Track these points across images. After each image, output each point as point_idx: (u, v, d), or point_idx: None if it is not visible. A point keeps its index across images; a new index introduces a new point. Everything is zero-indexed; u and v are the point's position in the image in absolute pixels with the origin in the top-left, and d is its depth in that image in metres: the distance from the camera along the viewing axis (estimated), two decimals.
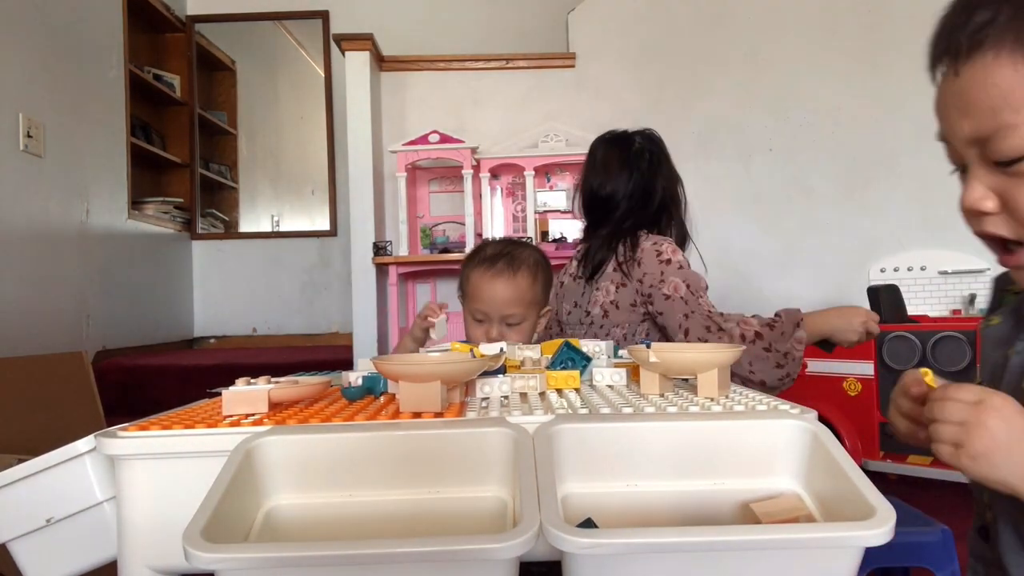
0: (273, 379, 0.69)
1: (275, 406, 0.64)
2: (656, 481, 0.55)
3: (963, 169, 0.62)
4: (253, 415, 0.61)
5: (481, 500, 0.52)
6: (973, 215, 0.61)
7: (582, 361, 0.82)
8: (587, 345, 0.92)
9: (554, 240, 2.82)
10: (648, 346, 0.72)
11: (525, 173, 2.81)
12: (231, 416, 0.61)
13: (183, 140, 3.92)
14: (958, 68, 0.56)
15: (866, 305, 2.27)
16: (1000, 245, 0.61)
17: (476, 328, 1.22)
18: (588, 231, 1.49)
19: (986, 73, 0.54)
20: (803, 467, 0.55)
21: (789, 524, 0.50)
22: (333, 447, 0.53)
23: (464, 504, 0.52)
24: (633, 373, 0.81)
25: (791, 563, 0.45)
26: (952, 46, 0.56)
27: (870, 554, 0.47)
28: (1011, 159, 0.56)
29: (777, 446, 0.56)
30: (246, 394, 0.61)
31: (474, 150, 2.78)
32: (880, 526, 0.43)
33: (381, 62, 3.03)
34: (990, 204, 0.60)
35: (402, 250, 2.82)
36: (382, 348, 2.88)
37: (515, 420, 0.56)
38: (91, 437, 0.62)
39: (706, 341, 1.23)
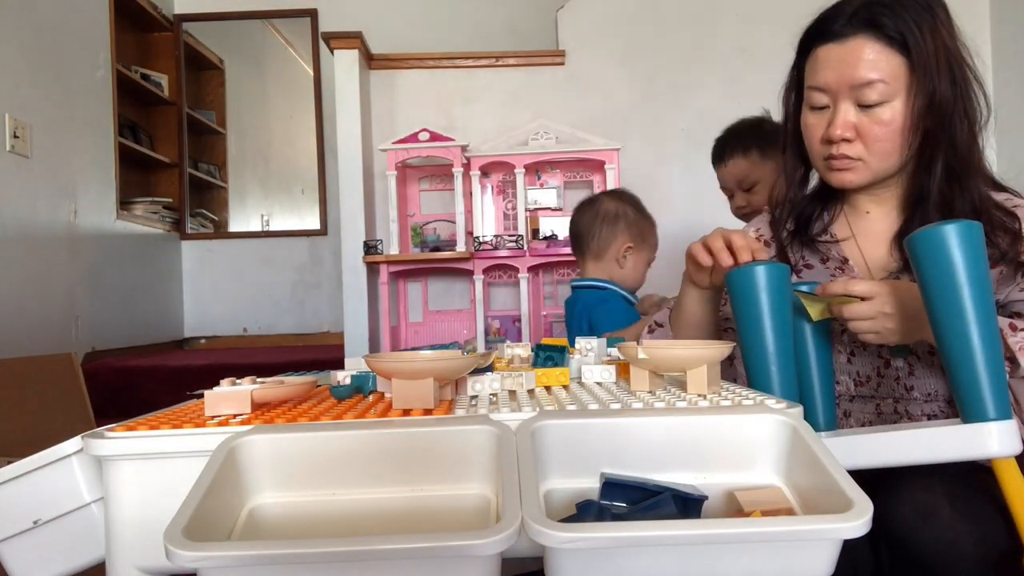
0: (259, 379, 0.69)
1: (260, 406, 0.64)
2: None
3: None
4: (240, 415, 0.61)
5: (465, 498, 0.53)
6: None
7: (560, 356, 0.83)
8: (580, 343, 0.93)
9: (545, 238, 2.82)
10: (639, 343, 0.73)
11: (515, 171, 2.81)
12: (219, 416, 0.61)
13: (171, 140, 3.90)
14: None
15: None
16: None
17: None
18: None
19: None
20: (783, 461, 0.55)
21: (770, 516, 0.50)
22: (316, 445, 0.53)
23: (448, 502, 0.53)
24: (624, 370, 0.81)
25: (771, 555, 0.46)
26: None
27: None
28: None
29: (759, 441, 0.56)
30: (228, 395, 0.61)
31: (464, 148, 2.78)
32: (858, 518, 0.44)
33: (370, 60, 3.02)
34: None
35: (393, 249, 2.82)
36: (373, 347, 2.88)
37: (498, 417, 0.57)
38: (78, 438, 0.62)
39: None
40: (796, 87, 1.05)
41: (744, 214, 1.71)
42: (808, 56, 0.99)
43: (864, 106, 0.93)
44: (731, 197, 1.75)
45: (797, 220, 1.09)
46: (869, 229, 1.04)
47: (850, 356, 1.02)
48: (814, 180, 1.11)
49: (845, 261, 1.05)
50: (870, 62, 0.91)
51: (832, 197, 1.09)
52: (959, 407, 0.74)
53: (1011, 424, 0.72)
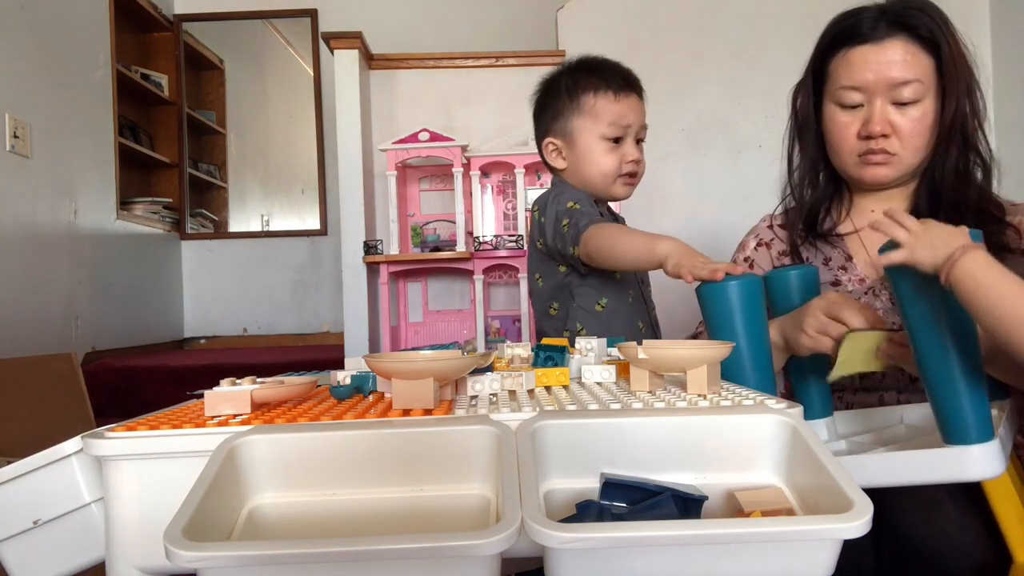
0: (259, 379, 0.69)
1: (260, 406, 0.64)
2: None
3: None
4: (240, 415, 0.61)
5: (465, 498, 0.53)
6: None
7: (560, 356, 0.83)
8: (580, 342, 0.93)
9: None
10: (640, 343, 0.72)
11: (515, 171, 2.81)
12: (219, 416, 0.61)
13: (171, 140, 3.90)
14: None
15: None
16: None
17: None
18: None
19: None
20: (783, 461, 0.55)
21: (770, 517, 0.50)
22: (316, 446, 0.53)
23: (448, 502, 0.53)
24: (624, 370, 0.81)
25: (771, 555, 0.46)
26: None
27: None
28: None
29: (758, 441, 0.56)
30: (228, 395, 0.61)
31: (464, 148, 2.78)
32: (858, 518, 0.44)
33: (370, 60, 3.02)
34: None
35: (393, 249, 2.82)
36: (373, 347, 2.88)
37: (498, 417, 0.57)
38: (78, 438, 0.62)
39: None
40: (813, 88, 1.07)
41: (632, 175, 1.37)
42: (833, 58, 1.02)
43: (897, 104, 0.98)
44: (617, 141, 1.34)
45: (805, 220, 1.12)
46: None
47: None
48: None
49: (849, 259, 1.07)
50: (906, 63, 0.96)
51: (837, 199, 1.11)
52: (940, 428, 0.73)
53: (993, 446, 0.70)
